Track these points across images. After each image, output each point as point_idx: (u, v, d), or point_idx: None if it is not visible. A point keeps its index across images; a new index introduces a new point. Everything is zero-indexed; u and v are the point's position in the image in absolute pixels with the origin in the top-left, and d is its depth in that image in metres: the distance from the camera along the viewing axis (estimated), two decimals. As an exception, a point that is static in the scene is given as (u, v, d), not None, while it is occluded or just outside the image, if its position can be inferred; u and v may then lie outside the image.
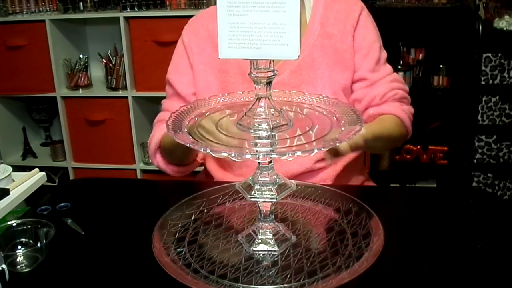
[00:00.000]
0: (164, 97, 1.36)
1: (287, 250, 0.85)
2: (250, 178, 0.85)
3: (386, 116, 1.21)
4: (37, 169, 1.13)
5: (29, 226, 0.89)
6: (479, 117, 2.31)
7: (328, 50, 1.22)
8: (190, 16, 1.37)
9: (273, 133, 0.79)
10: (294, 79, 1.21)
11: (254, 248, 0.85)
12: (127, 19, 2.36)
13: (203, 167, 1.37)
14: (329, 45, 1.22)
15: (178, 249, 0.86)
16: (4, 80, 2.54)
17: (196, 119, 0.87)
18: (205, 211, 1.00)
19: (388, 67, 1.27)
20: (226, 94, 0.94)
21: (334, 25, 1.23)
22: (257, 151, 0.76)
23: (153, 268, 0.81)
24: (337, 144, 0.74)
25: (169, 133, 0.79)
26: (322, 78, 1.21)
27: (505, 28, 2.25)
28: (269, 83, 0.79)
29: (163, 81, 1.34)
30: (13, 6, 2.49)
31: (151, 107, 2.59)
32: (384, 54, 1.27)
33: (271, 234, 0.87)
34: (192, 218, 0.97)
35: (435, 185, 2.64)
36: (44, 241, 0.86)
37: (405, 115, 1.22)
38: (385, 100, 1.22)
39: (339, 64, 1.22)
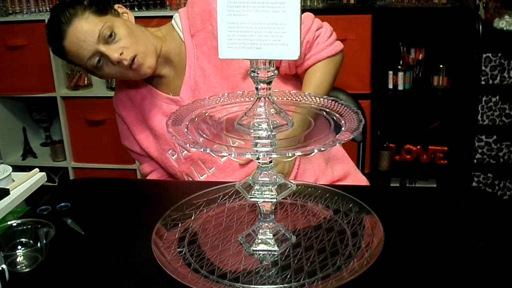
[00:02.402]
0: None
1: (287, 250, 0.85)
2: (250, 178, 0.85)
3: (310, 71, 1.26)
4: (37, 169, 1.13)
5: (29, 226, 0.89)
6: (479, 117, 2.31)
7: (210, 54, 1.24)
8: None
9: (273, 133, 0.79)
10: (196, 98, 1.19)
11: (254, 248, 0.85)
12: (127, 19, 2.36)
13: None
14: (208, 51, 1.25)
15: (178, 249, 0.86)
16: (4, 80, 2.54)
17: (196, 119, 0.87)
18: (205, 211, 1.00)
19: None
20: (226, 94, 0.94)
21: (202, 29, 1.24)
22: (257, 151, 0.76)
23: (153, 268, 0.81)
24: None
25: (169, 133, 0.79)
26: (218, 82, 1.24)
27: (505, 28, 2.26)
28: (269, 83, 0.79)
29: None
30: (13, 6, 2.49)
31: (151, 107, 2.59)
32: None
33: (271, 234, 0.87)
34: (192, 218, 0.97)
35: (435, 185, 2.64)
36: (44, 241, 0.86)
37: (324, 53, 1.24)
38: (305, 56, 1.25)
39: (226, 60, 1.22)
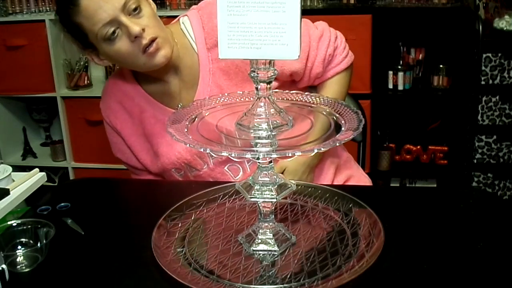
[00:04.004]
0: None
1: (287, 250, 0.85)
2: (250, 178, 0.85)
3: (328, 84, 1.27)
4: (37, 169, 1.13)
5: (29, 226, 0.89)
6: (479, 117, 2.31)
7: (229, 72, 1.19)
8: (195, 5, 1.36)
9: (273, 133, 0.79)
10: None
11: (254, 248, 0.85)
12: (127, 19, 2.36)
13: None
14: (227, 68, 1.18)
15: (178, 249, 0.86)
16: (4, 80, 2.54)
17: (196, 119, 0.87)
18: (205, 211, 1.00)
19: (303, 31, 1.19)
20: (226, 94, 0.94)
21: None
22: (257, 151, 0.76)
23: (153, 268, 0.81)
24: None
25: (169, 132, 0.79)
26: None
27: (505, 28, 2.26)
28: (269, 83, 0.79)
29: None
30: (13, 6, 2.49)
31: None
32: None
33: (271, 234, 0.87)
34: (192, 218, 0.97)
35: (435, 185, 2.64)
36: (44, 241, 0.86)
37: (342, 65, 1.25)
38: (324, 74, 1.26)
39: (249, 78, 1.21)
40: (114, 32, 1.07)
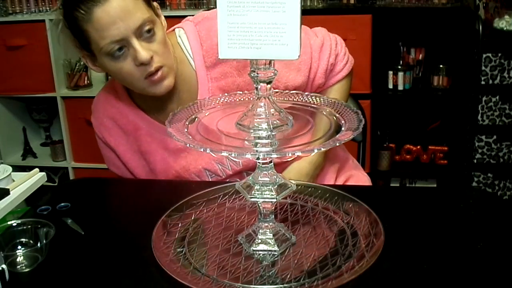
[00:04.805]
0: None
1: (287, 250, 0.85)
2: (250, 178, 0.85)
3: (331, 90, 1.26)
4: (37, 169, 1.13)
5: (29, 226, 0.89)
6: (479, 117, 2.31)
7: (230, 91, 1.12)
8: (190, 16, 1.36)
9: (273, 133, 0.79)
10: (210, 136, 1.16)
11: (254, 248, 0.85)
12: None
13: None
14: (227, 86, 1.14)
15: (178, 249, 0.86)
16: (4, 80, 2.54)
17: (196, 119, 0.87)
18: (205, 211, 1.00)
19: (304, 41, 1.18)
20: (226, 94, 0.94)
21: (221, 63, 1.13)
22: (257, 151, 0.76)
23: (153, 268, 0.81)
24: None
25: (169, 132, 0.79)
26: None
27: (505, 28, 2.26)
28: (269, 83, 0.79)
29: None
30: (13, 6, 2.49)
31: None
32: None
33: (271, 234, 0.87)
34: (192, 218, 0.97)
35: (435, 185, 2.64)
36: (44, 241, 0.86)
37: (344, 72, 1.24)
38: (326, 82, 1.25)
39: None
40: (120, 49, 1.03)
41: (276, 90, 0.95)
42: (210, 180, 1.22)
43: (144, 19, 1.02)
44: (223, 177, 1.21)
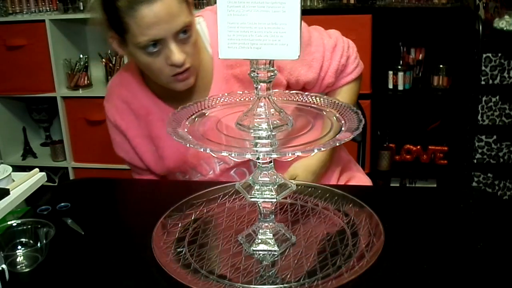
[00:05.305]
0: None
1: (287, 250, 0.85)
2: (250, 178, 0.85)
3: (340, 92, 1.29)
4: (37, 169, 1.13)
5: (29, 226, 0.89)
6: (479, 117, 2.31)
7: (242, 78, 1.17)
8: (209, 6, 1.35)
9: (273, 133, 0.79)
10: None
11: (254, 248, 0.85)
12: (127, 19, 2.36)
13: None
14: (242, 73, 1.16)
15: (178, 249, 0.86)
16: (4, 80, 2.54)
17: (196, 119, 0.87)
18: (205, 211, 1.00)
19: (317, 40, 1.21)
20: (226, 94, 0.94)
21: None
22: (257, 151, 0.76)
23: (153, 268, 0.81)
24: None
25: (169, 133, 0.79)
26: None
27: (505, 28, 2.25)
28: (269, 83, 0.79)
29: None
30: (13, 6, 2.49)
31: (151, 107, 2.59)
32: (306, 36, 1.19)
33: (271, 234, 0.87)
34: (192, 218, 0.97)
35: (435, 185, 2.64)
36: (44, 241, 0.86)
37: (353, 75, 1.27)
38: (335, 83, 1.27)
39: None
40: (155, 45, 1.04)
41: (276, 90, 0.95)
42: (218, 167, 1.22)
43: (185, 23, 1.04)
44: (231, 165, 1.22)
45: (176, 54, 1.04)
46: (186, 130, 0.82)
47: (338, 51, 1.24)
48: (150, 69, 1.10)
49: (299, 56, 0.72)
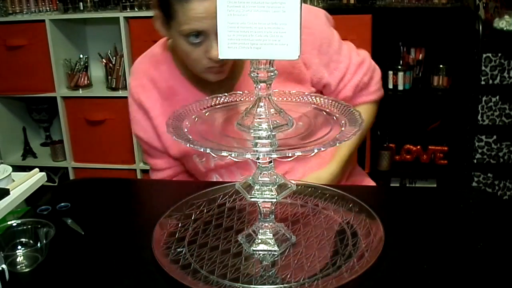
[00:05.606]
0: None
1: (287, 250, 0.85)
2: (250, 178, 0.85)
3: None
4: (37, 169, 1.13)
5: (29, 226, 0.89)
6: (479, 117, 2.31)
7: (276, 67, 1.18)
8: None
9: (273, 133, 0.79)
10: None
11: (254, 248, 0.85)
12: (127, 19, 2.36)
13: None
14: (274, 63, 1.18)
15: (178, 249, 0.86)
16: (4, 80, 2.54)
17: (196, 119, 0.87)
18: (205, 211, 1.00)
19: (345, 52, 1.24)
20: (226, 94, 0.94)
21: None
22: (257, 151, 0.76)
23: (153, 268, 0.81)
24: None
25: (169, 133, 0.79)
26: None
27: (505, 28, 2.25)
28: (269, 83, 0.79)
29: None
30: (13, 6, 2.49)
31: (151, 107, 2.59)
32: (336, 43, 1.23)
33: (271, 234, 0.87)
34: (192, 218, 0.97)
35: (435, 185, 2.64)
36: (44, 241, 0.86)
37: (372, 96, 1.29)
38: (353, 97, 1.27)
39: (291, 80, 1.19)
40: (197, 36, 1.05)
41: (276, 90, 0.95)
42: None
43: None
44: None
45: (216, 50, 1.03)
46: (186, 130, 0.82)
47: (363, 68, 1.26)
48: (188, 57, 1.11)
49: (299, 56, 0.72)
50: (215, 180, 1.25)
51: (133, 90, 1.26)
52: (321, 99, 0.91)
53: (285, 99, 0.94)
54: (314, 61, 1.20)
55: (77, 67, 2.53)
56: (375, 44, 2.27)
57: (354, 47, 1.29)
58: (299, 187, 1.04)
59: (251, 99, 0.88)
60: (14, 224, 0.89)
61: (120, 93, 2.49)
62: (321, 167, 1.25)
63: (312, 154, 0.74)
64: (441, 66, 2.42)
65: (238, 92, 0.95)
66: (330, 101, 0.90)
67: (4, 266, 0.79)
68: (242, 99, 0.94)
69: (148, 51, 1.30)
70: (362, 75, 1.25)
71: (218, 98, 0.94)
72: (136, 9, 2.37)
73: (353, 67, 1.25)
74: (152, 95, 1.23)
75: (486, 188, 2.40)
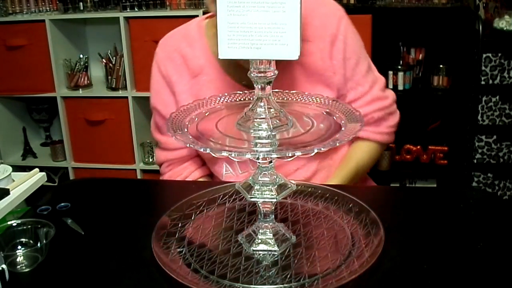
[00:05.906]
0: None
1: (287, 250, 0.85)
2: (250, 178, 0.85)
3: (357, 144, 1.28)
4: (37, 169, 1.13)
5: (29, 226, 0.89)
6: (479, 117, 2.31)
7: (307, 67, 1.17)
8: (190, 16, 1.35)
9: (273, 133, 0.79)
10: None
11: (254, 248, 0.85)
12: (127, 19, 2.36)
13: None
14: (308, 63, 1.17)
15: (178, 249, 0.86)
16: (4, 80, 2.54)
17: (196, 119, 0.87)
18: (205, 211, 1.00)
19: (370, 80, 1.24)
20: (226, 94, 0.94)
21: (313, 42, 1.16)
22: (257, 151, 0.76)
23: (153, 268, 0.81)
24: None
25: (169, 133, 0.79)
26: (305, 88, 1.18)
27: (505, 28, 2.26)
28: (269, 83, 0.79)
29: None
30: (13, 6, 2.49)
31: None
32: (364, 67, 1.23)
33: (271, 234, 0.87)
34: (192, 218, 0.97)
35: (435, 185, 2.64)
36: (44, 241, 0.86)
37: (378, 136, 1.28)
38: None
39: (321, 83, 1.19)
40: None
41: (276, 90, 0.95)
42: None
43: None
44: None
45: None
46: (186, 130, 0.82)
47: (378, 104, 1.24)
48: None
49: (298, 56, 0.72)
50: (224, 169, 1.24)
51: (159, 62, 1.23)
52: (320, 99, 0.91)
53: (285, 99, 0.94)
54: (340, 71, 1.19)
55: (77, 67, 2.53)
56: (375, 44, 2.27)
57: (384, 83, 1.28)
58: (299, 187, 1.04)
59: (251, 99, 0.88)
60: (14, 224, 0.89)
61: (120, 93, 2.49)
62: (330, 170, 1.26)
63: (312, 154, 0.74)
64: (441, 66, 2.42)
65: (238, 92, 0.95)
66: (330, 101, 0.90)
67: (4, 266, 0.79)
68: (242, 99, 0.94)
69: (181, 27, 1.28)
70: (375, 109, 1.23)
71: (218, 98, 0.94)
72: (136, 9, 2.37)
73: (369, 97, 1.23)
74: (180, 70, 1.21)
75: (486, 188, 2.40)
